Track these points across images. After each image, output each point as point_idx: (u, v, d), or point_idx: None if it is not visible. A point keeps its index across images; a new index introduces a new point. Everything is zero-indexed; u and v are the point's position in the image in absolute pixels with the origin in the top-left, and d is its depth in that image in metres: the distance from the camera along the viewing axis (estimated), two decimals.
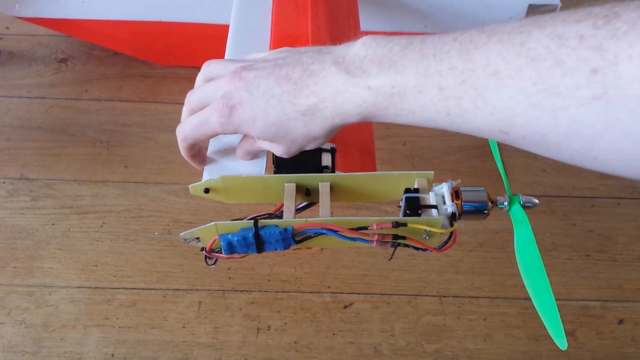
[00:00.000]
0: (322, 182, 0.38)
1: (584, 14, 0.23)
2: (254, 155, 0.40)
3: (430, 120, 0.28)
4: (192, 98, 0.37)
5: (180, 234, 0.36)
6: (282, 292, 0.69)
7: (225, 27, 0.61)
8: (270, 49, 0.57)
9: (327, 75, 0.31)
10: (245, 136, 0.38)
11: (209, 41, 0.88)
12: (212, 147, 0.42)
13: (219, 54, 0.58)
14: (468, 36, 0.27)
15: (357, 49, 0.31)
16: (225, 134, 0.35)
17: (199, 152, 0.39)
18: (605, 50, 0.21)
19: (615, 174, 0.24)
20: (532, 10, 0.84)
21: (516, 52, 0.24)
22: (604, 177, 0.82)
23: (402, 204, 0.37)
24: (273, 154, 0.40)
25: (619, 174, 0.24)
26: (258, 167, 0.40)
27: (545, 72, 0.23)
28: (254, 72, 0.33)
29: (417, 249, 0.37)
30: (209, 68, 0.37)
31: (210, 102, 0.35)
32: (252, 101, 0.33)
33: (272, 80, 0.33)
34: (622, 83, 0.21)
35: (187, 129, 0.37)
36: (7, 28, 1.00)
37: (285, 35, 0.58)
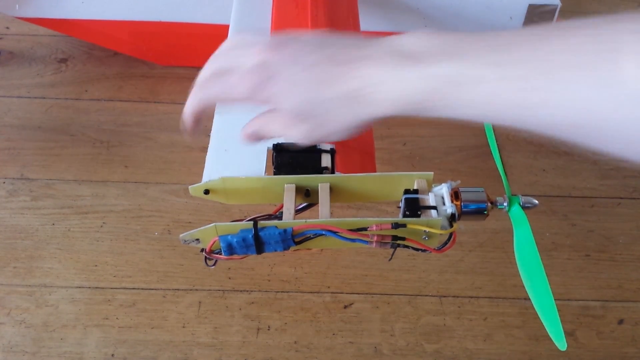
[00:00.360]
0: (321, 183, 0.38)
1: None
2: (259, 137, 0.36)
3: (490, 113, 0.26)
4: (218, 61, 0.35)
5: (180, 235, 0.36)
6: (282, 292, 0.69)
7: (225, 27, 0.62)
8: None
9: (378, 60, 0.29)
10: (262, 114, 0.35)
11: (209, 41, 0.87)
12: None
13: None
14: (536, 29, 0.26)
15: (411, 38, 0.29)
16: (250, 102, 0.33)
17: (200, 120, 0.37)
18: None
19: None
20: (532, 10, 0.84)
21: (585, 41, 0.24)
22: (604, 177, 0.82)
23: (401, 204, 0.37)
24: (273, 154, 0.40)
25: None
26: (258, 168, 0.40)
27: (617, 58, 0.23)
28: (293, 46, 0.32)
29: (417, 249, 0.37)
30: (238, 37, 0.35)
31: (241, 69, 0.33)
32: (291, 74, 0.31)
33: (315, 57, 0.30)
34: None
35: (210, 90, 0.34)
36: (7, 28, 1.00)
37: None
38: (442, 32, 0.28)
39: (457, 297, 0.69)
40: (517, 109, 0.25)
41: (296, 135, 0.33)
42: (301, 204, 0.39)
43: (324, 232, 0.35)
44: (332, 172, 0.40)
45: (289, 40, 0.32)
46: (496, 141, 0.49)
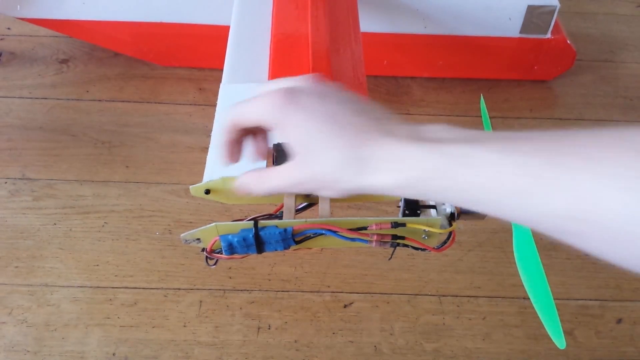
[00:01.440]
0: None
1: None
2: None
3: (492, 199, 0.26)
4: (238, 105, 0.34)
5: (181, 235, 0.36)
6: (282, 291, 0.69)
7: (226, 28, 0.62)
8: (270, 50, 0.57)
9: (396, 134, 0.29)
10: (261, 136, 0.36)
11: (209, 42, 0.88)
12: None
13: (220, 54, 0.59)
14: (555, 132, 0.26)
15: (434, 127, 0.29)
16: (263, 123, 0.32)
17: (237, 142, 0.35)
18: None
19: None
20: (531, 11, 0.84)
21: (609, 144, 0.23)
22: None
23: (401, 204, 0.37)
24: (273, 154, 0.40)
25: None
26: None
27: None
28: (330, 88, 0.32)
29: (416, 249, 0.37)
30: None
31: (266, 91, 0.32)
32: (312, 111, 0.30)
33: (344, 107, 0.30)
34: None
35: (238, 105, 0.33)
36: (9, 29, 1.00)
37: (285, 37, 0.58)
38: (464, 129, 0.29)
39: (456, 296, 0.69)
40: (516, 198, 0.25)
41: (289, 176, 0.32)
42: (301, 203, 0.40)
43: (324, 232, 0.35)
44: None
45: (299, 89, 0.32)
46: None
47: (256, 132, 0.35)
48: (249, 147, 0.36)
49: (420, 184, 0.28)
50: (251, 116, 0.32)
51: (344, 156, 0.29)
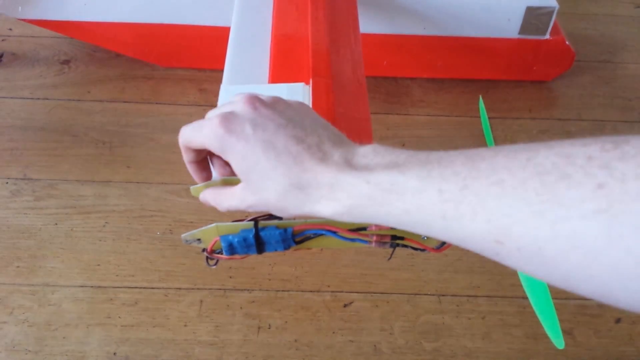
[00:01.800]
0: None
1: (592, 139, 0.23)
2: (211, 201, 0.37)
3: (423, 223, 0.27)
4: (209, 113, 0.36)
5: (182, 236, 0.37)
6: (282, 291, 0.69)
7: (227, 30, 0.62)
8: (270, 51, 0.58)
9: (330, 162, 0.30)
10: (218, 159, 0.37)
11: (210, 43, 0.88)
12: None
13: (221, 55, 0.59)
14: (475, 150, 0.27)
15: (365, 150, 0.30)
16: (209, 149, 0.33)
17: (200, 162, 0.37)
18: (613, 169, 0.21)
19: (608, 298, 0.23)
20: (530, 12, 0.85)
21: (522, 166, 0.24)
22: None
23: None
24: None
25: (613, 299, 0.23)
26: None
27: (550, 184, 0.22)
28: (270, 110, 0.32)
29: (416, 249, 0.37)
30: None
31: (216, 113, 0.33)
32: (250, 142, 0.31)
33: (282, 133, 0.31)
34: (627, 199, 0.20)
35: (185, 129, 0.35)
36: (10, 30, 1.01)
37: (285, 38, 0.59)
38: (398, 149, 0.30)
39: (456, 296, 0.70)
40: (444, 222, 0.26)
41: (242, 199, 0.33)
42: None
43: (323, 232, 0.35)
44: None
45: (269, 102, 0.33)
46: (494, 142, 0.50)
47: None
48: (217, 162, 0.37)
49: (357, 212, 0.29)
50: (196, 141, 0.34)
51: (283, 186, 0.30)
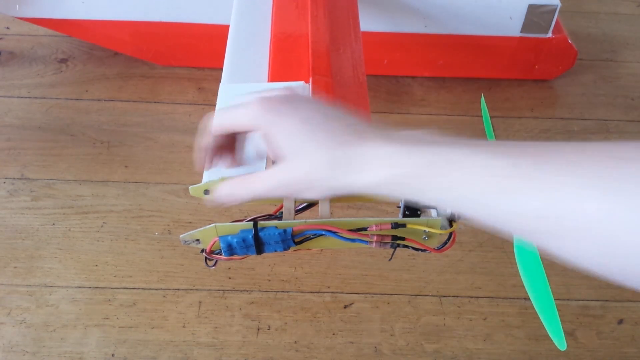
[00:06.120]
0: None
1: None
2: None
3: (466, 197, 0.27)
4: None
5: (180, 236, 0.36)
6: (282, 292, 0.69)
7: (226, 28, 0.62)
8: (270, 49, 0.57)
9: (370, 135, 0.30)
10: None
11: (209, 41, 0.88)
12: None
13: (219, 54, 0.58)
14: (536, 143, 0.27)
15: (400, 131, 0.31)
16: (248, 129, 0.34)
17: (218, 148, 0.37)
18: None
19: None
20: (532, 10, 0.84)
21: (592, 152, 0.25)
22: None
23: (401, 204, 0.37)
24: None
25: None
26: (258, 168, 0.40)
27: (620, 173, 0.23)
28: (294, 101, 0.33)
29: (417, 249, 0.37)
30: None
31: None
32: (290, 118, 0.32)
33: (318, 112, 0.32)
34: None
35: (221, 112, 0.35)
36: (8, 28, 1.00)
37: (285, 36, 0.58)
38: (454, 137, 0.30)
39: (457, 297, 0.69)
40: (499, 196, 0.26)
41: (274, 179, 0.33)
42: (301, 204, 0.39)
43: (323, 232, 0.35)
44: None
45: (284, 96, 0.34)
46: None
47: (231, 142, 0.37)
48: (226, 154, 0.37)
49: (405, 181, 0.29)
50: (241, 120, 0.33)
51: (331, 155, 0.30)
